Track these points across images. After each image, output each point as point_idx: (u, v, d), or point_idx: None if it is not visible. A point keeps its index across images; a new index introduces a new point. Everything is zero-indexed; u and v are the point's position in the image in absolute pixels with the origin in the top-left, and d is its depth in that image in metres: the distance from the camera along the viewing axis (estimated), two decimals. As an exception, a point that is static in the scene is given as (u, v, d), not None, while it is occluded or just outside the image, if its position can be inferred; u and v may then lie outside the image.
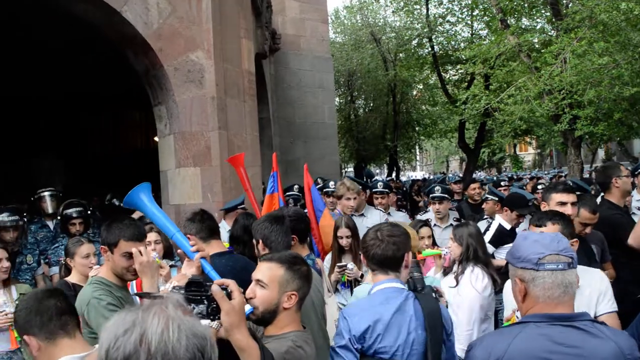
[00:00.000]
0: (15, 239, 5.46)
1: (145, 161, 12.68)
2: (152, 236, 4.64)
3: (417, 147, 29.80)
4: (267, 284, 2.34)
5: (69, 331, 2.17)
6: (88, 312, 2.97)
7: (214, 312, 1.75)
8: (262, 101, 9.92)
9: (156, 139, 14.07)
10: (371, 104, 25.76)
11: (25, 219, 5.74)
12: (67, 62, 9.29)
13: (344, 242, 5.19)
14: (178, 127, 6.76)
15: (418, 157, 40.25)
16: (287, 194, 7.61)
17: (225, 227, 5.55)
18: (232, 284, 1.81)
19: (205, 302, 1.75)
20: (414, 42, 20.18)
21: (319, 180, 8.38)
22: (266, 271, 2.38)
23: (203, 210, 3.56)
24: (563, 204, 4.01)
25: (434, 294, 2.73)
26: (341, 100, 24.33)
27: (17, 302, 4.29)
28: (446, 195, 6.46)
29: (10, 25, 7.65)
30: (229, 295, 1.81)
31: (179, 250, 3.12)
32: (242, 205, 6.01)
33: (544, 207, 4.15)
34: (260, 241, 3.31)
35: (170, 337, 1.16)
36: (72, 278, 4.42)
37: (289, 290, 2.35)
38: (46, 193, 6.72)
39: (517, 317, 2.60)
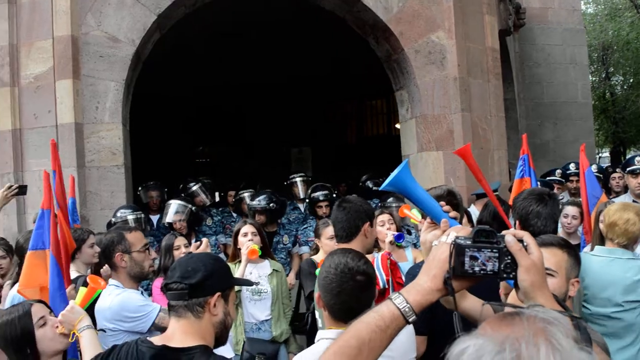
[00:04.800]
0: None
1: (387, 148, 12.96)
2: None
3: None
4: (557, 272, 2.18)
5: None
6: None
7: (507, 269, 1.41)
8: (507, 81, 9.33)
9: (397, 125, 14.32)
10: (631, 80, 22.76)
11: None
12: (318, 54, 9.79)
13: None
14: (420, 110, 6.65)
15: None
16: (548, 178, 7.03)
17: (474, 213, 5.28)
18: (526, 236, 1.45)
19: (497, 256, 1.41)
20: (688, 4, 17.27)
21: (572, 166, 7.56)
22: (551, 257, 2.17)
23: (450, 190, 3.34)
24: None
25: None
26: (594, 78, 21.92)
27: (269, 276, 4.59)
28: None
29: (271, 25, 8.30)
30: (526, 249, 1.44)
31: None
32: (496, 192, 5.66)
33: None
34: (518, 222, 2.94)
35: None
36: (318, 257, 4.57)
37: (573, 277, 2.21)
38: (298, 178, 7.15)
39: None
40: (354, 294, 2.13)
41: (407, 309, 1.40)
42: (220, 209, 7.28)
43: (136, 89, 6.27)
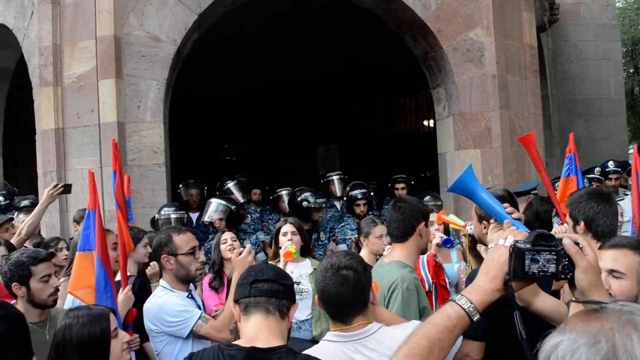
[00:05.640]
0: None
1: (415, 145, 12.93)
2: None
3: None
4: (625, 274, 2.16)
5: None
6: (395, 295, 2.94)
7: (565, 270, 1.51)
8: (540, 77, 9.22)
9: (425, 122, 14.25)
10: (661, 75, 22.39)
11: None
12: (348, 54, 9.78)
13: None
14: (457, 108, 6.61)
15: None
16: (587, 176, 6.94)
17: (515, 212, 5.22)
18: (581, 238, 1.54)
19: (555, 257, 1.51)
20: None
21: (610, 164, 7.46)
22: (621, 259, 2.19)
23: (508, 191, 3.31)
24: None
25: None
26: (623, 74, 21.55)
27: (310, 275, 4.59)
28: None
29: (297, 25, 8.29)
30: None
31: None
32: (535, 191, 5.60)
33: None
34: (583, 223, 2.86)
35: None
36: (362, 256, 4.55)
37: None
38: (335, 177, 7.15)
39: None
40: (337, 288, 2.16)
41: (471, 309, 1.51)
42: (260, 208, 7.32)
43: (177, 88, 6.31)
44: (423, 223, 3.08)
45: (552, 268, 1.50)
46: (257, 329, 1.98)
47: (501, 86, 6.55)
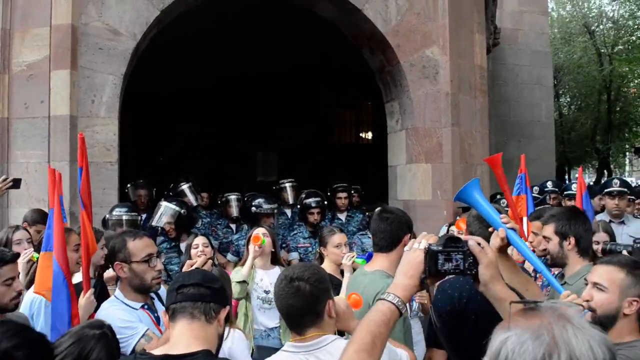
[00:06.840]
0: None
1: (353, 157, 13.03)
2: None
3: (632, 149, 26.86)
4: (607, 287, 2.34)
5: None
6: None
7: (471, 267, 1.79)
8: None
9: (362, 134, 14.41)
10: (579, 102, 23.81)
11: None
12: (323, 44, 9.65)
13: (600, 248, 4.77)
14: (411, 122, 6.76)
15: (633, 162, 36.19)
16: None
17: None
18: (482, 241, 1.83)
19: (462, 257, 1.78)
20: (639, 33, 18.25)
21: (549, 184, 7.84)
22: (605, 274, 2.37)
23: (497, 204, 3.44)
24: None
25: None
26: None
27: None
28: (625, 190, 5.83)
29: (254, 26, 8.19)
30: None
31: None
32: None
33: None
34: (573, 239, 3.07)
35: (597, 356, 1.10)
36: (325, 267, 4.55)
37: (631, 296, 2.31)
38: (287, 184, 7.11)
39: None
40: (289, 299, 2.22)
41: (399, 303, 1.77)
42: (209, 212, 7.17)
43: (142, 84, 6.09)
44: (409, 235, 3.14)
45: (460, 265, 1.79)
46: (180, 335, 1.97)
47: (453, 104, 6.76)
